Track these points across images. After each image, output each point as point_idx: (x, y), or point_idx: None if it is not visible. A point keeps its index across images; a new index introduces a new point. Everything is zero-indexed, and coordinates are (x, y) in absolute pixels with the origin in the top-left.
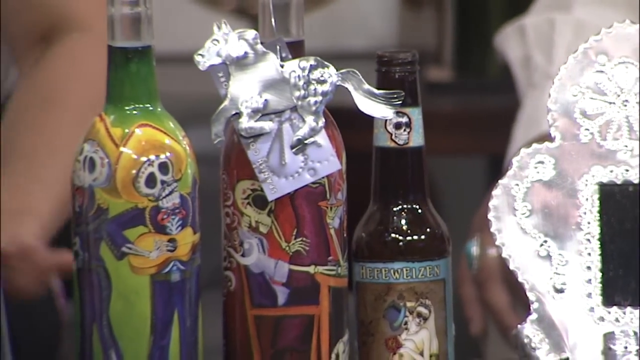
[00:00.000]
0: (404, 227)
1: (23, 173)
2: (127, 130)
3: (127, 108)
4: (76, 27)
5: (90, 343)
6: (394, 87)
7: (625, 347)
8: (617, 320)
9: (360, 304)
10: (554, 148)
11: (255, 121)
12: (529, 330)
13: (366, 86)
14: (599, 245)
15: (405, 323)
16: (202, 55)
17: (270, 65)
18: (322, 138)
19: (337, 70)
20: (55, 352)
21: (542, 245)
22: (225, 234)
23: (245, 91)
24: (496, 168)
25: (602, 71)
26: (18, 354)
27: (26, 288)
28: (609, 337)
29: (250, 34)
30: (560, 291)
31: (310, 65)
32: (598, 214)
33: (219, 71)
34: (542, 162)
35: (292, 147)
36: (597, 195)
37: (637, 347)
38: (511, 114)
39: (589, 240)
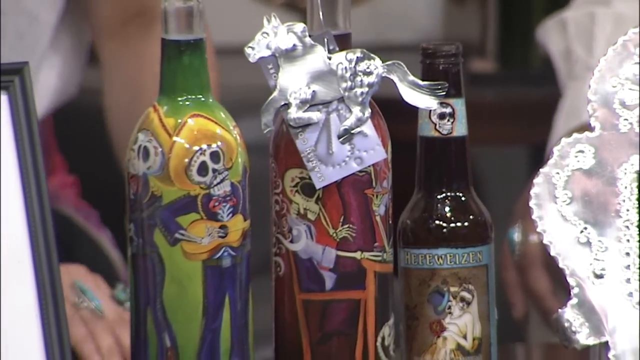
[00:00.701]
0: (448, 214)
1: None
2: (179, 121)
3: (179, 99)
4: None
5: (144, 326)
6: (438, 79)
7: None
8: None
9: (405, 288)
10: (594, 137)
11: (304, 112)
12: (570, 314)
13: (411, 77)
14: (638, 232)
15: (449, 307)
16: (253, 48)
17: (318, 58)
18: (368, 128)
19: (382, 62)
20: None
21: (582, 232)
22: (274, 221)
23: (293, 82)
24: (538, 157)
25: None
26: None
27: None
28: None
29: (299, 27)
30: (600, 277)
31: (357, 57)
32: (637, 202)
33: (268, 63)
34: (582, 151)
35: (339, 137)
36: (635, 183)
37: None
38: (552, 105)
39: (627, 227)
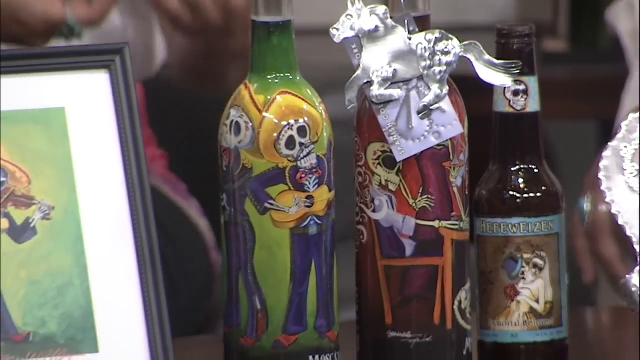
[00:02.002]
0: (521, 186)
1: None
2: (269, 97)
3: (269, 77)
4: None
5: (236, 289)
6: (513, 58)
7: None
8: None
9: (481, 255)
10: None
11: (385, 89)
12: (637, 279)
13: (487, 57)
14: None
15: (522, 273)
16: (337, 29)
17: (399, 38)
18: (446, 104)
19: (460, 42)
20: (207, 300)
21: None
22: (357, 191)
23: (376, 62)
24: (606, 132)
25: None
26: (176, 301)
27: None
28: None
29: (381, 9)
30: None
31: (436, 37)
32: None
33: (352, 43)
34: None
35: (418, 113)
36: None
37: None
38: (620, 82)
39: None
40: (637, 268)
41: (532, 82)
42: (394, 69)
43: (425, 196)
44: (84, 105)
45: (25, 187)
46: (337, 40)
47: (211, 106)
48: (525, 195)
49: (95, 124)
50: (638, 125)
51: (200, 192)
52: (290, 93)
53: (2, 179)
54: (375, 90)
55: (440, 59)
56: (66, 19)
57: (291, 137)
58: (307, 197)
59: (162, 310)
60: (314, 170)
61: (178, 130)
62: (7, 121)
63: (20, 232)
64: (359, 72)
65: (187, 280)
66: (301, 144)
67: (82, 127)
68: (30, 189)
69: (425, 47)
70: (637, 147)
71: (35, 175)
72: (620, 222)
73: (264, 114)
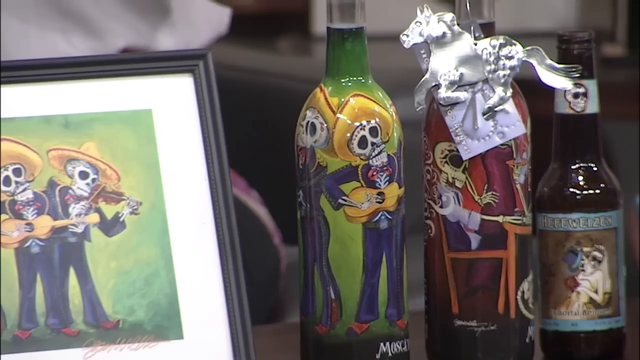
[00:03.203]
0: (581, 183)
1: None
2: (342, 100)
3: (342, 80)
4: None
5: (312, 280)
6: (573, 62)
7: None
8: None
9: (543, 248)
10: None
11: (452, 92)
12: None
13: (548, 61)
14: None
15: (582, 265)
16: (407, 35)
17: (465, 44)
18: (509, 106)
19: (523, 48)
20: (276, 285)
21: None
22: (425, 188)
23: (443, 66)
24: None
25: None
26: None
27: None
28: None
29: (448, 16)
30: None
31: (500, 43)
32: None
33: (421, 49)
34: None
35: (483, 114)
36: None
37: None
38: None
39: None
40: None
41: (591, 85)
42: (461, 73)
43: (490, 193)
44: (169, 107)
45: (115, 184)
46: (407, 45)
47: (268, 105)
48: (585, 192)
49: (179, 124)
50: None
51: (259, 183)
52: (362, 95)
53: (94, 176)
54: (443, 93)
55: (504, 64)
56: None
57: (363, 137)
58: (378, 194)
59: (242, 298)
60: (385, 168)
61: (237, 128)
62: (98, 122)
63: (111, 226)
64: (427, 75)
65: (256, 266)
66: (373, 144)
67: (167, 127)
68: (119, 185)
69: (490, 52)
70: None
71: (124, 173)
72: None
73: (338, 115)
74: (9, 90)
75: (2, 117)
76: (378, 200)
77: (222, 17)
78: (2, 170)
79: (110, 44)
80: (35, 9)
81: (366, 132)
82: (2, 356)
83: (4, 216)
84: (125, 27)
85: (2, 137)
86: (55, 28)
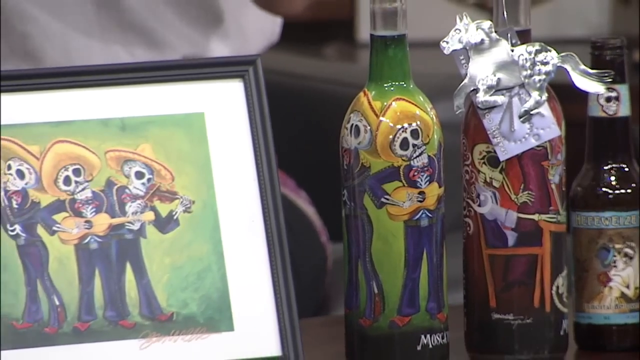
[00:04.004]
0: (613, 183)
1: None
2: (385, 103)
3: (385, 85)
4: None
5: (356, 275)
6: (605, 68)
7: None
8: None
9: (576, 245)
10: None
11: (490, 96)
12: None
13: (582, 67)
14: None
15: (614, 261)
16: (447, 42)
17: (503, 50)
18: (545, 109)
19: (558, 54)
20: (323, 280)
21: None
22: (464, 187)
23: (481, 71)
24: None
25: None
26: (296, 282)
27: None
28: None
29: (486, 24)
30: None
31: (536, 49)
32: None
33: (460, 55)
34: None
35: (520, 117)
36: None
37: None
38: None
39: None
40: None
41: (623, 90)
42: (498, 78)
43: (526, 192)
44: (220, 110)
45: (169, 184)
46: (446, 52)
47: (315, 108)
48: (617, 192)
49: (230, 127)
50: None
51: (307, 183)
52: (404, 99)
53: (149, 176)
54: (481, 97)
55: (539, 69)
56: None
57: (405, 139)
58: (419, 193)
59: (289, 292)
60: (426, 168)
61: (283, 131)
62: (153, 125)
63: (165, 224)
64: (466, 80)
65: (304, 263)
66: (414, 145)
67: (218, 130)
68: (173, 185)
69: (526, 58)
70: None
71: (177, 173)
72: None
73: (381, 118)
74: (69, 95)
75: (62, 120)
76: (419, 199)
77: (274, 27)
78: (62, 170)
79: (169, 55)
80: (98, 23)
81: (408, 134)
82: (63, 346)
83: (64, 214)
84: (183, 38)
85: (62, 139)
86: (118, 41)
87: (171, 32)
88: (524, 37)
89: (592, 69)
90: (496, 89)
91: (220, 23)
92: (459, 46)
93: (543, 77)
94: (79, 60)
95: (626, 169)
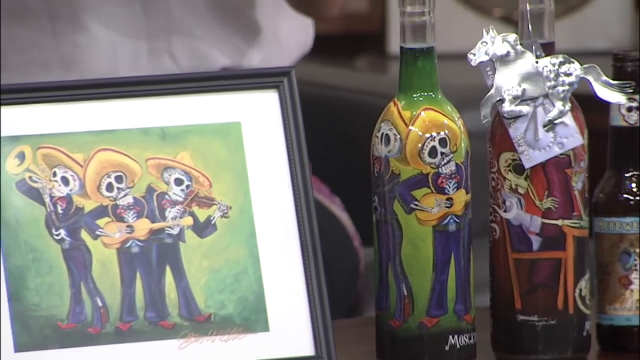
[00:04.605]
0: (634, 189)
1: None
2: (414, 113)
3: (414, 95)
4: None
5: (386, 278)
6: (627, 79)
7: None
8: None
9: (599, 249)
10: None
11: (515, 106)
12: None
13: (604, 78)
14: None
15: (635, 265)
16: (474, 54)
17: (528, 62)
18: (568, 119)
19: (580, 65)
20: (354, 284)
21: None
22: (491, 194)
23: (507, 82)
24: None
25: None
26: (329, 285)
27: None
28: None
29: (512, 37)
30: None
31: (559, 61)
32: None
33: (486, 66)
34: None
35: (544, 126)
36: None
37: None
38: None
39: None
40: None
41: None
42: (523, 89)
43: (550, 198)
44: (256, 120)
45: (207, 190)
46: (473, 63)
47: (347, 118)
48: (638, 198)
49: (266, 136)
50: None
51: (341, 189)
52: (432, 109)
53: (188, 183)
54: (507, 107)
55: (563, 80)
56: None
57: (433, 147)
58: (447, 199)
59: (322, 294)
60: (453, 175)
61: (317, 139)
62: (192, 134)
63: (203, 228)
64: (492, 91)
65: (337, 266)
66: (442, 153)
67: (254, 138)
68: (211, 191)
69: (550, 70)
70: None
71: (215, 180)
72: None
73: (410, 127)
74: (112, 105)
75: (105, 129)
76: (447, 205)
77: (307, 38)
78: (105, 177)
79: (211, 63)
80: (146, 30)
81: (436, 143)
82: (106, 346)
83: (107, 219)
84: (223, 47)
85: (105, 147)
86: (164, 49)
87: (214, 40)
88: (548, 49)
89: (613, 80)
90: (521, 99)
91: (258, 34)
92: (485, 58)
93: (566, 87)
94: (125, 68)
95: None
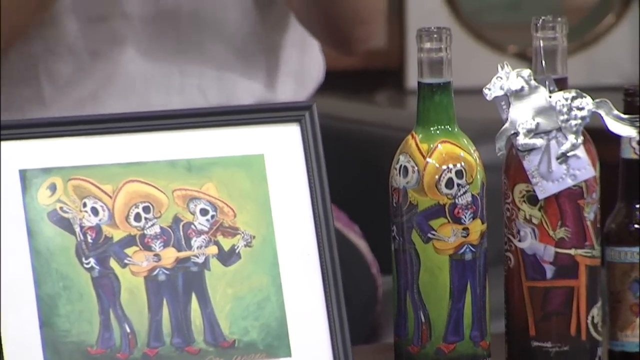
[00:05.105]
0: None
1: None
2: (431, 146)
3: (432, 129)
4: None
5: (404, 305)
6: (637, 113)
7: None
8: None
9: (610, 278)
10: None
11: (529, 139)
12: None
13: (615, 112)
14: None
15: None
16: (489, 89)
17: (541, 96)
18: (580, 151)
19: (592, 100)
20: (372, 310)
21: None
22: (505, 224)
23: (521, 116)
24: None
25: None
26: (348, 312)
27: None
28: None
29: (526, 72)
30: None
31: (572, 96)
32: None
33: (501, 101)
34: None
35: (557, 158)
36: None
37: None
38: None
39: None
40: None
41: None
42: (537, 122)
43: (563, 228)
44: (279, 152)
45: (231, 220)
46: (489, 98)
47: (367, 150)
48: None
49: (288, 167)
50: None
51: (360, 219)
52: (449, 142)
53: (213, 213)
54: (521, 140)
55: (575, 114)
56: None
57: (450, 179)
58: (463, 229)
59: (342, 320)
60: (469, 206)
61: (338, 171)
62: (217, 166)
63: (227, 257)
64: (507, 124)
65: (356, 293)
66: (458, 185)
67: (277, 170)
68: (235, 221)
69: (563, 104)
70: None
71: (239, 210)
72: None
73: (427, 159)
74: (139, 138)
75: (133, 161)
76: (463, 234)
77: (321, 70)
78: (133, 208)
79: (238, 98)
80: (178, 66)
81: (452, 175)
82: None
83: (135, 248)
84: (251, 84)
85: (133, 179)
86: (194, 84)
87: (241, 78)
88: (561, 84)
89: (624, 114)
90: (535, 132)
91: (283, 71)
92: (500, 92)
93: (579, 121)
94: (157, 101)
95: None
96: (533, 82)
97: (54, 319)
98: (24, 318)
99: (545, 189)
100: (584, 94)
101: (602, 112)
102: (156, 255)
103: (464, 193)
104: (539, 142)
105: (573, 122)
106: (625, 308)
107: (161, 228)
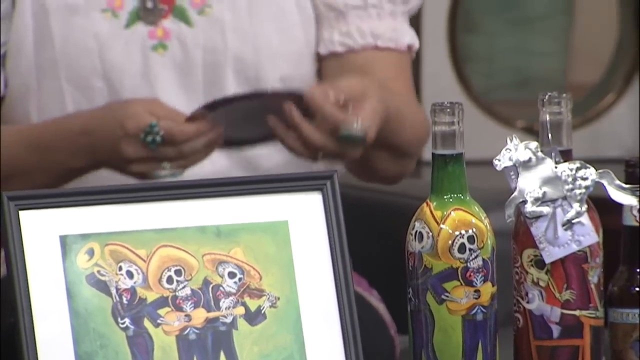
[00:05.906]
0: None
1: None
2: (445, 213)
3: (445, 197)
4: None
5: None
6: (638, 183)
7: None
8: None
9: (613, 338)
10: None
11: (537, 207)
12: None
13: (617, 182)
14: None
15: None
16: (499, 160)
17: (548, 167)
18: (585, 219)
19: (596, 170)
20: None
21: None
22: (514, 286)
23: (529, 185)
24: None
25: None
26: None
27: None
28: None
29: (533, 144)
30: None
31: (577, 167)
32: None
33: (510, 171)
34: None
35: (563, 225)
36: None
37: None
38: None
39: None
40: None
41: None
42: (544, 191)
43: (569, 291)
44: (302, 219)
45: (257, 282)
46: (498, 168)
47: (385, 217)
48: None
49: (310, 233)
50: None
51: (378, 282)
52: (461, 209)
53: (240, 276)
54: (529, 208)
55: (580, 184)
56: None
57: (462, 244)
58: (475, 291)
59: None
60: (481, 269)
61: (357, 237)
62: (243, 231)
63: (254, 317)
64: (515, 193)
65: (375, 351)
66: (470, 249)
67: (300, 235)
68: (261, 283)
69: (568, 174)
70: None
71: (265, 273)
72: None
73: (441, 225)
74: (171, 205)
75: (165, 227)
76: (475, 296)
77: None
78: (165, 271)
79: (261, 171)
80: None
81: (465, 240)
82: None
83: (167, 309)
84: (272, 157)
85: (165, 244)
86: (223, 165)
87: (263, 149)
88: (566, 156)
89: (626, 184)
90: (542, 200)
91: None
92: (509, 163)
93: (583, 190)
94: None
95: None
96: (540, 154)
97: None
98: None
99: (551, 254)
100: (588, 165)
101: (604, 182)
102: (187, 315)
103: (476, 257)
104: (545, 210)
105: (577, 191)
106: None
107: (192, 290)
